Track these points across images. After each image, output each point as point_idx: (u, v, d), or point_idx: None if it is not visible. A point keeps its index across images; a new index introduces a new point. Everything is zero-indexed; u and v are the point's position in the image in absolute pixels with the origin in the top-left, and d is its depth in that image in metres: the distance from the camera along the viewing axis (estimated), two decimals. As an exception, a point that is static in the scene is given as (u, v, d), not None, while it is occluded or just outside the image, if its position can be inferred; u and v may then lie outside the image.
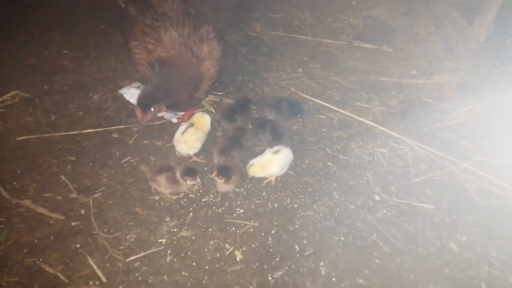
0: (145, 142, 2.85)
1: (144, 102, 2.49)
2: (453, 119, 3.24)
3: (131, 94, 3.15)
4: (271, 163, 2.61)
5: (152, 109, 2.49)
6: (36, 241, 2.25)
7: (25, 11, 4.08)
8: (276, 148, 2.68)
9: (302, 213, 2.50)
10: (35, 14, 4.05)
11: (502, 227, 2.52)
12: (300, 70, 3.68)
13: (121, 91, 3.18)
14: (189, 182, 2.51)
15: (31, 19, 3.98)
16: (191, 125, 2.78)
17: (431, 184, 2.74)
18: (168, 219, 2.40)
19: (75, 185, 2.53)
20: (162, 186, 2.50)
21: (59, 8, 4.17)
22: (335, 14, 4.46)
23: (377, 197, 2.63)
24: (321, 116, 3.19)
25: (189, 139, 2.71)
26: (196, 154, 2.78)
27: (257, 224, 2.41)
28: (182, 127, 2.78)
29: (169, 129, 2.96)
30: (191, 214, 2.44)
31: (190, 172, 2.49)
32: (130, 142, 2.84)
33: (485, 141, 3.06)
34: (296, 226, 2.43)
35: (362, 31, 4.24)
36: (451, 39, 3.86)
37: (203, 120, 2.86)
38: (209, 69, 2.80)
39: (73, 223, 2.34)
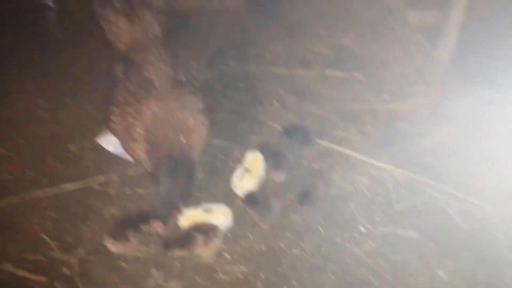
0: (126, 191, 2.81)
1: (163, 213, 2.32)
2: (428, 142, 3.32)
3: (109, 141, 3.13)
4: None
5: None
6: (18, 308, 2.18)
7: (-4, 63, 4.04)
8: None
9: (289, 252, 2.49)
10: (6, 64, 4.01)
11: (487, 249, 2.56)
12: (276, 102, 3.73)
13: (98, 140, 3.15)
14: None
15: (3, 70, 3.93)
16: (247, 170, 2.77)
17: (414, 210, 2.78)
18: (154, 271, 2.35)
19: (57, 243, 2.47)
20: None
21: (32, 54, 4.11)
22: (305, 45, 4.56)
23: (362, 229, 2.65)
24: (299, 148, 3.23)
25: (245, 185, 2.73)
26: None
27: (245, 269, 2.39)
28: (238, 172, 2.78)
29: (149, 176, 2.92)
30: (178, 264, 2.40)
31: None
32: (111, 192, 2.81)
33: (462, 162, 3.14)
34: (284, 267, 2.41)
35: (333, 60, 4.34)
36: (418, 62, 4.01)
37: (256, 161, 2.84)
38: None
39: (56, 284, 2.28)
